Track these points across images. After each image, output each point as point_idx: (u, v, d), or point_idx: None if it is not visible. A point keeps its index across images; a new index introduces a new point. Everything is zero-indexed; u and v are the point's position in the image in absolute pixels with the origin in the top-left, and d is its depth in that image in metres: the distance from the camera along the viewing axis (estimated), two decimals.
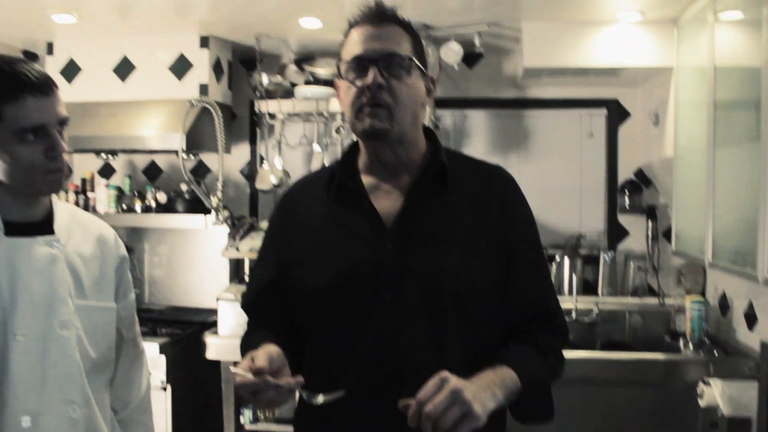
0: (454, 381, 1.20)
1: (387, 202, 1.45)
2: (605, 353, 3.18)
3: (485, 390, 1.25)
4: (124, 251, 1.70)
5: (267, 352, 1.31)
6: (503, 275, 1.44)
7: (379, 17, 1.41)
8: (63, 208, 1.59)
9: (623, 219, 3.90)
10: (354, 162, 1.52)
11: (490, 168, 1.55)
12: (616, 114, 3.92)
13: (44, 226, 1.51)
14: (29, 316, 1.43)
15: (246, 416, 3.59)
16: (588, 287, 3.80)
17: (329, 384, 1.36)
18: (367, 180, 1.48)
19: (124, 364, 1.69)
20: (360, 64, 1.38)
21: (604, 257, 3.77)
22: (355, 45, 1.41)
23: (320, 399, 1.32)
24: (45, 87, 1.40)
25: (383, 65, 1.37)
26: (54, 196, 1.57)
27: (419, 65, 1.43)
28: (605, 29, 3.33)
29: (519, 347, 1.42)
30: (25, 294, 1.43)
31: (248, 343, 1.48)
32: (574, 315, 3.51)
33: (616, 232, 3.91)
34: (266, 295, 1.56)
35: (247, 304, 1.62)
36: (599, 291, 3.75)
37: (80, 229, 1.60)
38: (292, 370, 1.34)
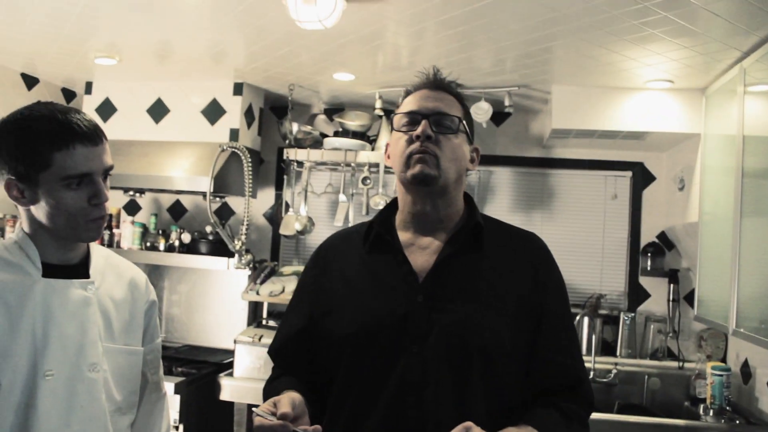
0: (478, 430, 1.21)
1: (421, 257, 1.50)
2: (624, 416, 3.14)
3: None
4: (154, 296, 1.74)
5: (290, 398, 1.35)
6: (531, 337, 1.46)
7: (435, 84, 1.55)
8: (98, 251, 1.63)
9: (644, 281, 3.90)
10: (391, 218, 1.58)
11: (524, 234, 1.60)
12: (641, 177, 3.94)
13: (80, 268, 1.55)
14: (60, 356, 1.45)
15: None
16: (607, 347, 3.78)
17: (351, 429, 1.39)
18: (403, 236, 1.54)
19: (147, 407, 1.71)
20: (413, 118, 1.50)
21: (624, 318, 3.75)
22: (409, 103, 1.53)
23: None
24: (94, 137, 1.45)
25: (434, 120, 1.48)
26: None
27: (466, 130, 1.53)
28: (634, 95, 3.38)
29: (544, 410, 1.43)
30: (57, 335, 1.45)
31: (271, 389, 1.51)
32: (592, 375, 3.48)
33: (636, 294, 3.90)
34: (294, 343, 1.59)
35: (275, 350, 1.64)
36: (618, 352, 3.73)
37: (113, 272, 1.63)
38: (312, 419, 1.38)
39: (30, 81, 3.99)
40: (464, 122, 1.53)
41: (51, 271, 1.49)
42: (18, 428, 1.40)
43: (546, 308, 1.48)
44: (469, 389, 1.39)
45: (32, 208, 1.47)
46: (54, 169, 1.41)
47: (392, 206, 1.61)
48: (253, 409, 1.32)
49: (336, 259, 1.60)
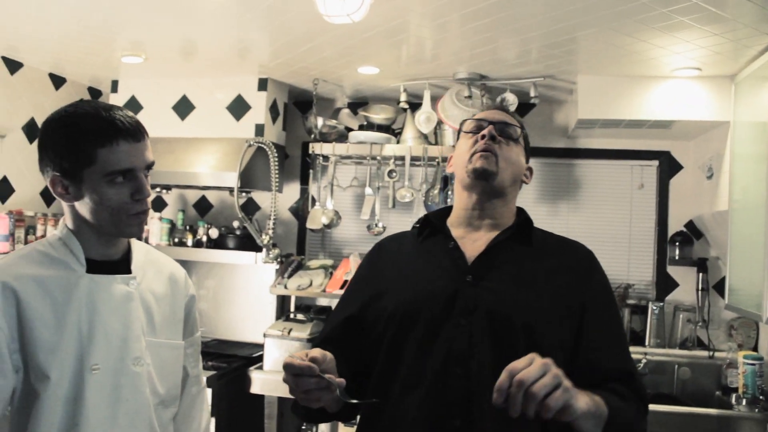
0: (545, 359, 1.21)
1: (472, 246, 1.60)
2: (655, 406, 3.13)
3: (578, 391, 1.26)
4: (193, 290, 1.77)
5: (322, 352, 1.40)
6: (575, 333, 1.48)
7: (502, 107, 1.74)
8: (139, 247, 1.66)
9: (672, 270, 3.87)
10: (445, 218, 1.70)
11: (571, 242, 1.68)
12: (668, 166, 3.91)
13: (122, 264, 1.58)
14: (105, 350, 1.48)
15: None
16: (635, 337, 3.77)
17: (396, 403, 1.46)
18: (455, 231, 1.64)
19: (187, 400, 1.74)
20: (479, 125, 1.64)
21: (653, 308, 3.73)
22: (478, 115, 1.70)
23: (354, 401, 1.41)
24: (136, 133, 1.48)
25: (498, 128, 1.62)
26: None
27: (525, 145, 1.69)
28: (661, 83, 3.35)
29: (600, 390, 1.39)
30: (102, 329, 1.48)
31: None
32: None
33: (665, 283, 3.88)
34: (341, 329, 1.64)
35: (320, 340, 1.66)
36: (647, 341, 3.71)
37: (154, 267, 1.66)
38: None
39: (57, 81, 4.03)
40: (524, 137, 1.68)
41: (94, 266, 1.52)
42: (67, 421, 1.43)
43: (591, 303, 1.52)
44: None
45: (76, 204, 1.49)
46: (98, 166, 1.43)
47: (445, 211, 1.73)
48: (288, 357, 1.36)
49: (391, 250, 1.72)
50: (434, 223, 1.67)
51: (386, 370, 1.52)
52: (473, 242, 1.60)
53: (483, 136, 1.60)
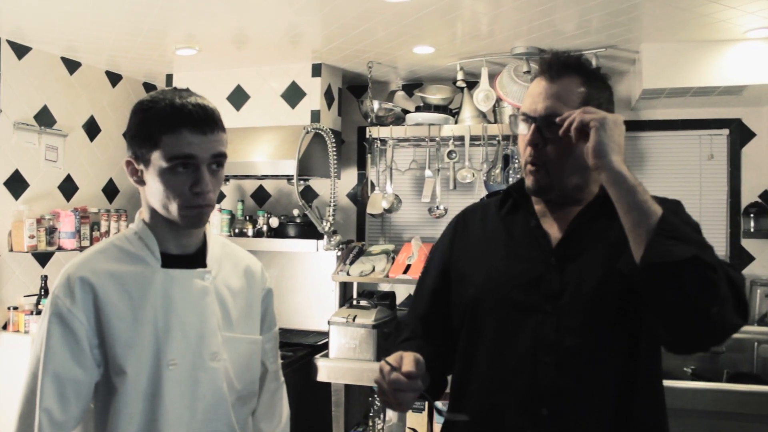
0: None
1: (555, 224, 1.50)
2: (734, 385, 3.00)
3: (621, 149, 1.30)
4: (269, 284, 1.74)
5: (415, 358, 1.37)
6: None
7: (552, 69, 1.44)
8: (215, 240, 1.63)
9: (747, 243, 3.71)
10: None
11: (660, 200, 1.49)
12: (739, 134, 3.74)
13: (198, 258, 1.56)
14: (182, 346, 1.47)
15: None
16: None
17: (482, 390, 1.43)
18: (537, 205, 1.54)
19: (267, 396, 1.71)
20: (526, 119, 1.45)
21: None
22: (528, 98, 1.47)
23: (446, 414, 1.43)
24: (203, 124, 1.44)
25: (542, 125, 1.42)
26: (208, 228, 1.61)
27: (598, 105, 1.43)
28: (731, 47, 3.19)
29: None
30: (178, 324, 1.47)
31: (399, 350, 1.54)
32: None
33: (740, 257, 3.72)
34: (429, 305, 1.62)
35: (416, 316, 1.65)
36: None
37: (229, 261, 1.63)
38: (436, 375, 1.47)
39: (114, 78, 4.08)
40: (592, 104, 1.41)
41: (169, 261, 1.51)
42: (147, 416, 1.43)
43: None
44: (602, 350, 1.37)
45: (146, 190, 1.50)
46: (161, 150, 1.43)
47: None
48: (384, 361, 1.37)
49: (473, 223, 1.63)
50: (515, 198, 1.56)
51: (472, 355, 1.49)
52: (555, 220, 1.50)
53: (528, 144, 1.44)
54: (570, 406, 1.36)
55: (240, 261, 1.67)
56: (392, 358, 1.37)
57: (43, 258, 3.62)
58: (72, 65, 3.78)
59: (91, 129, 3.89)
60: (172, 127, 1.42)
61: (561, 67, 1.43)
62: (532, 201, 1.54)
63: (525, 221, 1.53)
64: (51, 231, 3.50)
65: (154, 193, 1.47)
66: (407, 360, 1.36)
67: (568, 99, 1.41)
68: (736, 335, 3.40)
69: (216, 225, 4.12)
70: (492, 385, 1.44)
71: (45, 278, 3.48)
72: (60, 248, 3.56)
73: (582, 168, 1.40)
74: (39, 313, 3.30)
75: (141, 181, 1.50)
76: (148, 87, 4.34)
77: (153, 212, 1.51)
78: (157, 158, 1.43)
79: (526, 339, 1.40)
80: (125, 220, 3.91)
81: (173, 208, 1.45)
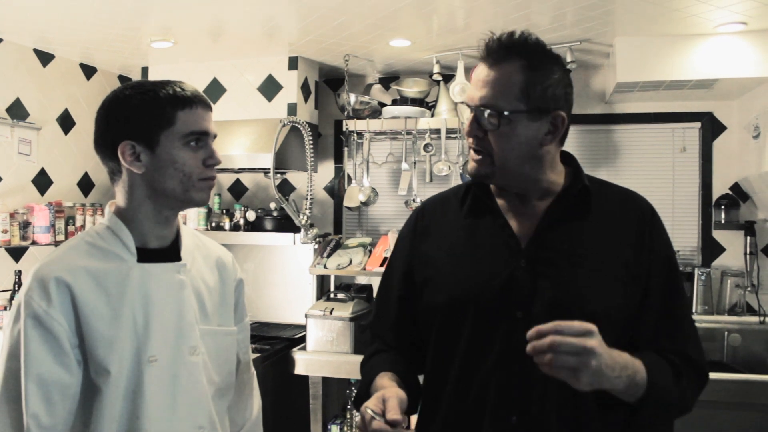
0: (596, 340, 1.17)
1: (522, 222, 1.44)
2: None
3: (613, 369, 1.21)
4: (240, 274, 1.73)
5: (398, 398, 1.30)
6: (638, 302, 1.39)
7: (498, 55, 1.36)
8: (186, 232, 1.63)
9: (718, 235, 3.77)
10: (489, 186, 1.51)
11: (628, 194, 1.51)
12: (711, 127, 3.80)
13: (172, 251, 1.55)
14: (161, 341, 1.46)
15: None
16: None
17: (452, 399, 1.40)
18: (501, 201, 1.48)
19: (239, 387, 1.71)
20: (467, 108, 1.40)
21: (699, 274, 3.65)
22: (471, 84, 1.42)
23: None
24: (207, 103, 1.52)
25: (479, 114, 1.36)
26: (180, 220, 1.61)
27: (526, 108, 1.34)
28: (703, 41, 3.23)
29: (653, 355, 1.35)
30: (157, 320, 1.46)
31: (369, 370, 1.52)
32: None
33: (710, 248, 3.79)
34: (395, 313, 1.58)
35: (380, 326, 1.63)
36: (694, 308, 3.63)
37: (201, 253, 1.63)
38: (413, 390, 1.43)
39: (88, 71, 4.04)
40: (527, 99, 1.33)
41: (144, 255, 1.49)
42: (128, 414, 1.41)
43: (653, 274, 1.40)
44: None
45: (144, 173, 1.47)
46: (177, 127, 1.45)
47: None
48: (365, 409, 1.28)
49: (435, 223, 1.56)
50: (476, 193, 1.48)
51: (444, 363, 1.44)
52: (523, 216, 1.44)
53: (467, 133, 1.38)
54: (541, 412, 1.34)
55: (211, 252, 1.66)
56: (373, 403, 1.28)
57: (16, 253, 3.58)
58: (45, 57, 3.73)
59: (66, 122, 3.84)
60: (187, 103, 1.46)
61: (502, 51, 1.35)
62: (494, 196, 1.48)
63: (491, 220, 1.46)
64: (25, 225, 3.46)
65: (163, 172, 1.46)
66: (391, 404, 1.27)
67: (505, 87, 1.33)
68: (706, 325, 3.47)
69: (193, 218, 4.11)
70: (462, 392, 1.40)
71: (19, 273, 3.44)
72: (34, 243, 3.52)
73: (530, 157, 1.37)
74: None
75: (142, 165, 1.46)
76: (123, 80, 4.30)
77: (139, 194, 1.49)
78: (171, 136, 1.45)
79: (498, 346, 1.36)
80: (101, 214, 3.88)
81: (186, 184, 1.47)
